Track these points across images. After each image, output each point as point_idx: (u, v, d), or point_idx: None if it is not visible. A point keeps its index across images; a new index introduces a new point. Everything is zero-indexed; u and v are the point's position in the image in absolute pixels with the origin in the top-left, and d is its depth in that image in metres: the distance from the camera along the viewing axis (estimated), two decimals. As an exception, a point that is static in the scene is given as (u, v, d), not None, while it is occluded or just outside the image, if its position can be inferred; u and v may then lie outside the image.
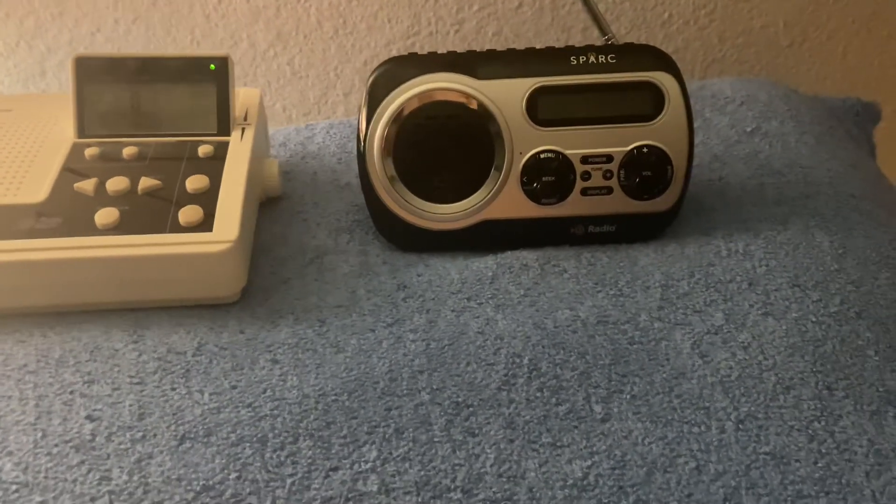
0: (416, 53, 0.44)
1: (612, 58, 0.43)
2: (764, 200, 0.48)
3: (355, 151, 0.56)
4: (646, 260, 0.43)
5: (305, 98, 0.79)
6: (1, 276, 0.38)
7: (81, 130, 0.46)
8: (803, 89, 0.63)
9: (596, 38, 0.80)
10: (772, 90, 0.58)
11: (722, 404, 0.35)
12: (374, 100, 0.43)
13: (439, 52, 0.44)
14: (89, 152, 0.44)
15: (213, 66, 0.46)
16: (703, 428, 0.35)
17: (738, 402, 0.35)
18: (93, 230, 0.39)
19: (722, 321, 0.39)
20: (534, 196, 0.43)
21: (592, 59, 0.43)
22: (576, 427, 0.35)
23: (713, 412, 0.35)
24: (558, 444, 0.34)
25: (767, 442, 0.33)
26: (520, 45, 0.75)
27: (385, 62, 0.44)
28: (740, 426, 0.34)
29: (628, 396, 0.36)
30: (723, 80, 0.60)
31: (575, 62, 0.43)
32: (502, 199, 0.43)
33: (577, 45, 0.44)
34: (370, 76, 0.43)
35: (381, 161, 0.43)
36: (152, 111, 0.46)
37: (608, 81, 0.43)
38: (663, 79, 0.43)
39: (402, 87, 0.43)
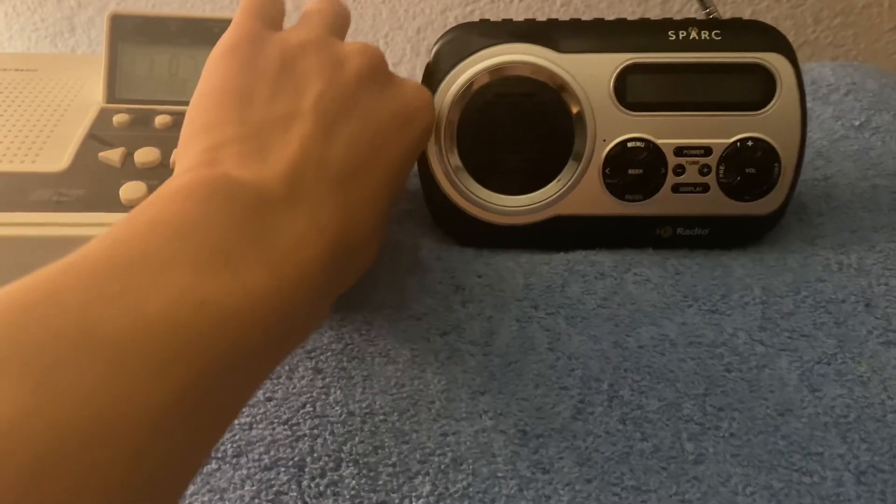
0: (487, 20, 0.38)
1: (716, 34, 0.37)
2: (878, 206, 0.42)
3: (408, 129, 0.50)
4: (742, 271, 0.37)
5: (352, 67, 0.74)
6: (13, 253, 0.34)
7: (111, 94, 0.41)
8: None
9: (677, 11, 0.73)
10: (881, 78, 0.51)
11: (839, 451, 0.30)
12: (439, 71, 0.38)
13: (514, 19, 0.38)
14: (118, 119, 0.40)
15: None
16: (815, 478, 0.29)
17: (857, 450, 0.30)
18: (117, 205, 0.35)
19: (835, 349, 0.34)
20: (616, 191, 0.37)
21: (694, 34, 0.37)
22: (664, 468, 0.29)
23: (827, 460, 0.30)
24: (643, 487, 0.29)
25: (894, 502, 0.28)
26: (591, 15, 0.69)
27: (453, 29, 0.38)
28: (861, 479, 0.29)
29: (726, 434, 0.31)
30: (823, 64, 0.53)
31: (673, 37, 0.37)
32: (579, 192, 0.38)
33: (675, 18, 0.38)
34: (435, 44, 0.38)
35: (443, 143, 0.38)
36: (190, 77, 0.41)
37: (711, 62, 0.37)
38: (775, 61, 0.37)
39: (471, 58, 0.37)
